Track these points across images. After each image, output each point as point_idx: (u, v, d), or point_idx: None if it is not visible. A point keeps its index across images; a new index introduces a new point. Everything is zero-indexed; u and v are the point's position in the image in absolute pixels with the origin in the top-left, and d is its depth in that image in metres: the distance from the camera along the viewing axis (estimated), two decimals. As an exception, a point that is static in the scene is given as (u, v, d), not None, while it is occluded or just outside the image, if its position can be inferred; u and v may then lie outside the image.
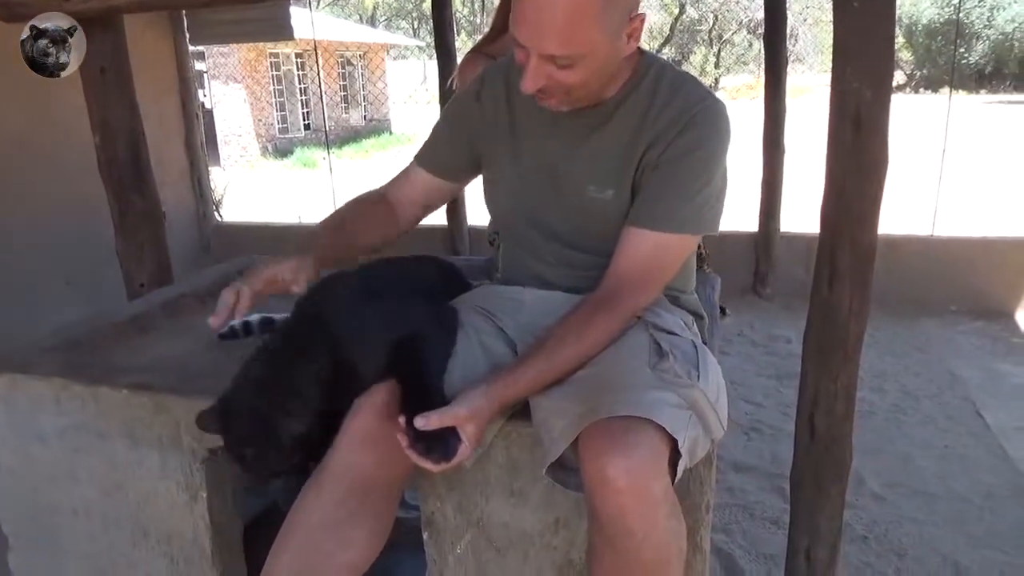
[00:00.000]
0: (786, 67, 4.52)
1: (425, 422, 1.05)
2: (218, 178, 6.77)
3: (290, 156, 15.18)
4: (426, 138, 1.49)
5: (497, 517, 1.26)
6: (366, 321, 1.22)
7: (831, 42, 1.60)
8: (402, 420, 1.08)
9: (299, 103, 16.97)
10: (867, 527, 2.35)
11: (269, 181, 12.08)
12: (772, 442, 2.88)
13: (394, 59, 20.92)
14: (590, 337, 1.17)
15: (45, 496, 1.52)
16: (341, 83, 18.01)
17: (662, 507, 1.01)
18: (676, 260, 1.27)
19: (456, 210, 5.03)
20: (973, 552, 2.20)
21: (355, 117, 18.49)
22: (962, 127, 11.94)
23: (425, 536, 1.31)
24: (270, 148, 15.63)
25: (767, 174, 4.56)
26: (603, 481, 0.98)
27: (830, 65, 1.61)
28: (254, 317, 1.63)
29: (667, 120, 1.22)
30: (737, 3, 22.52)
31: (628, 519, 0.99)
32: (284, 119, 16.54)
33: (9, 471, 1.53)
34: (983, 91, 22.34)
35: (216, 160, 13.54)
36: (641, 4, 1.21)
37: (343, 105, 18.15)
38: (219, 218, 5.84)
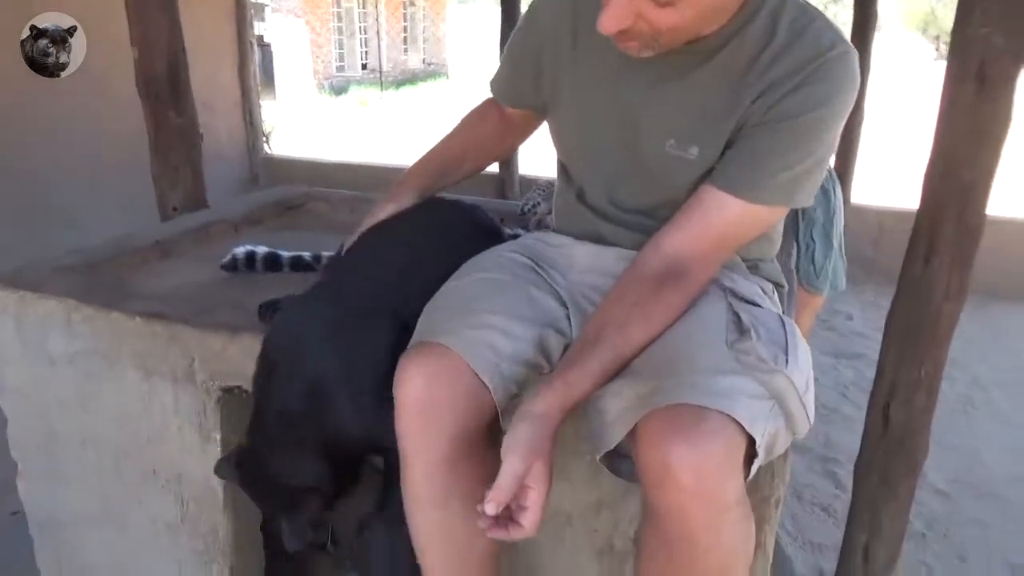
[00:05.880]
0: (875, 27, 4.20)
1: (494, 508, 0.87)
2: (271, 111, 6.68)
3: (345, 94, 15.08)
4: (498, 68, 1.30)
5: (532, 492, 1.13)
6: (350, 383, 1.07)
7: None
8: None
9: (358, 42, 16.79)
10: (927, 524, 2.20)
11: (323, 118, 12.00)
12: (826, 423, 2.72)
13: (460, 2, 20.47)
14: (658, 318, 0.99)
15: (54, 423, 1.43)
16: (403, 24, 17.76)
17: (732, 512, 0.85)
18: (758, 232, 1.08)
19: (509, 158, 4.85)
20: (1044, 563, 2.03)
21: (414, 60, 18.25)
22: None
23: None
24: (326, 85, 15.53)
25: (841, 141, 4.28)
26: (665, 476, 0.82)
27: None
28: (260, 250, 1.51)
29: (785, 68, 0.98)
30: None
31: (691, 524, 0.84)
32: (342, 57, 16.40)
33: (18, 393, 1.44)
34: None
35: (272, 94, 13.51)
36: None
37: (403, 47, 17.91)
38: (268, 150, 5.76)
